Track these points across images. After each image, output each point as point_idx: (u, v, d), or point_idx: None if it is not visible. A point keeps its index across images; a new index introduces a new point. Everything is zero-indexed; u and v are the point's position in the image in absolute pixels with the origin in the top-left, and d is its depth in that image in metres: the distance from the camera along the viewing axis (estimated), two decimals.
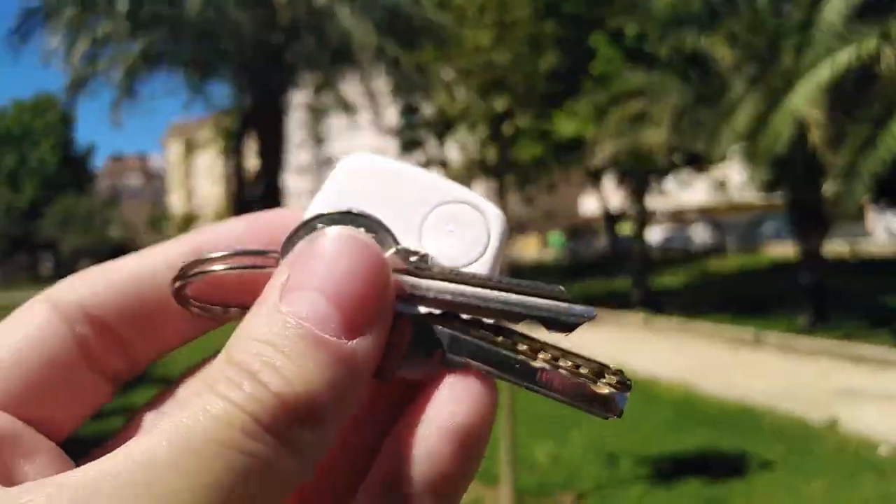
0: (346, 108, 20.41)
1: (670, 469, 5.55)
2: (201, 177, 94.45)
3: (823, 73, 9.78)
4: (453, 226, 0.34)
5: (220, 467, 0.26)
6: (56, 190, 56.85)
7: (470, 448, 0.31)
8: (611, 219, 30.96)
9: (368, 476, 0.33)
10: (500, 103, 5.36)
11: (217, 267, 0.34)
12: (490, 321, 0.33)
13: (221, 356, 0.29)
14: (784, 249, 24.69)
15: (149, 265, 0.35)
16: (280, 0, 12.44)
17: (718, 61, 12.01)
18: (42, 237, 53.80)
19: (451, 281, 0.33)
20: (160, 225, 69.75)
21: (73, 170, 61.35)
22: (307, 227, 0.33)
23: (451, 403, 0.32)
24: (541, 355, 0.32)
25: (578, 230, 51.79)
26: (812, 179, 12.07)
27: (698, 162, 17.35)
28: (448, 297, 0.32)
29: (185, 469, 0.26)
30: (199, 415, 0.27)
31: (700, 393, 8.31)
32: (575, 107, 13.34)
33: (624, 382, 0.32)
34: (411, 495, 0.31)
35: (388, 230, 0.33)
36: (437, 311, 0.33)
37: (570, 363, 0.32)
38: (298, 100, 23.13)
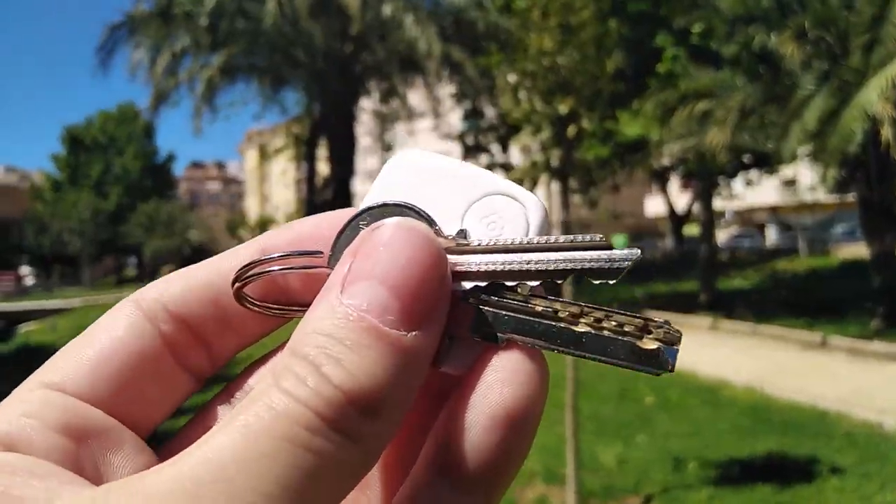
0: (412, 114, 20.81)
1: (739, 474, 5.45)
2: (275, 182, 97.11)
3: None
4: (494, 217, 0.35)
5: (287, 467, 0.26)
6: (139, 196, 59.43)
7: (520, 432, 0.32)
8: (677, 220, 30.60)
9: (418, 461, 0.33)
10: (564, 106, 5.36)
11: (272, 268, 0.36)
12: (534, 283, 0.33)
13: (287, 348, 0.30)
14: (856, 250, 24.03)
15: (223, 268, 0.37)
16: (351, 11, 12.71)
17: (787, 58, 11.77)
18: (127, 241, 56.23)
19: (491, 251, 0.33)
20: (237, 228, 72.10)
21: (156, 176, 64.20)
22: (353, 223, 0.35)
23: (498, 386, 0.32)
24: (583, 320, 0.32)
25: (643, 231, 51.23)
26: (885, 178, 11.76)
27: (767, 162, 17.04)
28: (490, 266, 0.32)
29: (255, 472, 0.26)
30: (265, 413, 0.27)
31: (769, 397, 8.12)
32: (640, 107, 13.21)
33: (671, 334, 0.31)
34: (462, 479, 0.32)
35: (429, 218, 0.34)
36: (482, 284, 0.33)
37: (613, 323, 0.32)
38: (366, 106, 23.59)
